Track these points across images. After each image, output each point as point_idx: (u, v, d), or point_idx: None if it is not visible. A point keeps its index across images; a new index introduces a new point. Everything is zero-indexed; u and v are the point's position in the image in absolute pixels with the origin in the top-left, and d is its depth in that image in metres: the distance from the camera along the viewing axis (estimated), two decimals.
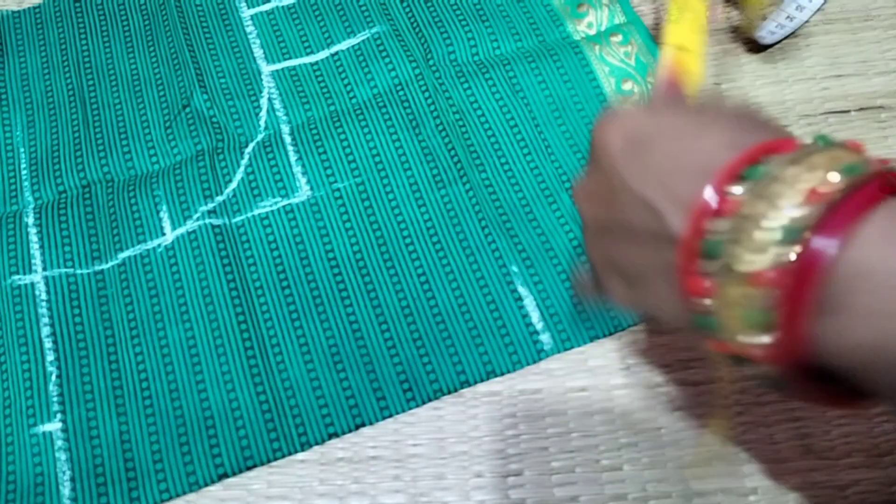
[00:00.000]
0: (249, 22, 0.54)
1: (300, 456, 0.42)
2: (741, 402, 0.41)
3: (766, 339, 0.25)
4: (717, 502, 0.39)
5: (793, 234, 0.24)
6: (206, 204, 0.48)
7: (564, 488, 0.40)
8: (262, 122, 0.50)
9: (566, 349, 0.43)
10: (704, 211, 0.26)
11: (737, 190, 0.26)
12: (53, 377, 0.44)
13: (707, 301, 0.26)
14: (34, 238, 0.48)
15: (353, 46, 0.52)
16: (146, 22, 0.55)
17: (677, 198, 0.27)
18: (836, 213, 0.24)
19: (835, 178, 0.24)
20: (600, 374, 0.43)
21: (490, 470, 0.41)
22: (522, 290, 0.44)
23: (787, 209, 0.24)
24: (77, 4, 0.56)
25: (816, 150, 0.25)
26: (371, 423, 0.42)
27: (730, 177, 0.26)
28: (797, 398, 0.27)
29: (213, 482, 0.41)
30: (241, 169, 0.49)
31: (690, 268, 0.26)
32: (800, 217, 0.24)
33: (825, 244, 0.23)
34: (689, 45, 0.41)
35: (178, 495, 0.41)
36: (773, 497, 0.39)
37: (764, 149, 0.26)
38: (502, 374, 0.43)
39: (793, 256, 0.24)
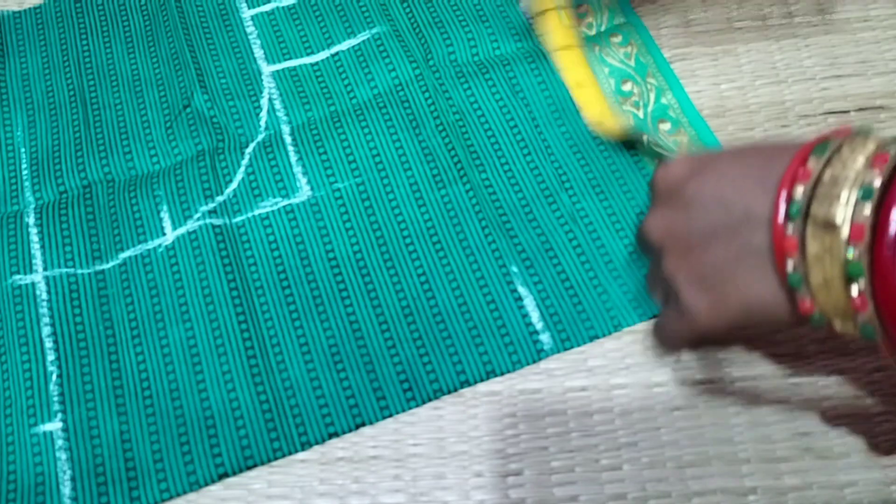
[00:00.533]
0: (250, 22, 0.54)
1: (300, 455, 0.42)
2: (740, 403, 0.41)
3: (854, 290, 0.28)
4: (717, 502, 0.39)
5: (868, 194, 0.28)
6: (206, 204, 0.48)
7: (564, 488, 0.40)
8: (262, 123, 0.51)
9: (566, 349, 0.43)
10: (793, 177, 0.30)
11: (812, 163, 0.30)
12: (54, 377, 0.44)
13: (795, 259, 0.30)
14: (35, 238, 0.48)
15: (353, 47, 0.52)
16: (147, 22, 0.55)
17: (757, 185, 0.32)
18: None
19: (892, 150, 0.29)
20: (600, 374, 0.43)
21: (490, 469, 0.41)
22: (522, 290, 0.44)
23: (858, 169, 0.29)
24: (78, 5, 0.56)
25: (861, 132, 0.30)
26: (371, 423, 0.42)
27: (805, 154, 0.30)
28: (887, 349, 0.30)
29: (213, 482, 0.41)
30: (242, 169, 0.49)
31: (782, 230, 0.30)
32: (869, 176, 0.28)
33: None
34: (582, 80, 0.44)
35: (178, 495, 0.41)
36: (773, 497, 0.39)
37: (821, 138, 0.31)
38: (502, 373, 0.43)
39: (867, 212, 0.28)
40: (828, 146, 0.30)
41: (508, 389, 0.43)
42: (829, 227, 0.29)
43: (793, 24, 0.51)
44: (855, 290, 0.29)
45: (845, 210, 0.28)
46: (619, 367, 0.43)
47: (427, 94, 0.50)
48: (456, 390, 0.43)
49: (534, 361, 0.43)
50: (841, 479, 0.39)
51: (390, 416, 0.42)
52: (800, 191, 0.30)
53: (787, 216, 0.30)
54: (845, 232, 0.28)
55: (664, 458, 0.40)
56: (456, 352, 0.43)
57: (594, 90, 0.48)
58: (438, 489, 0.41)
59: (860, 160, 0.29)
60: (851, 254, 0.28)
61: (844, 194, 0.29)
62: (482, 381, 0.43)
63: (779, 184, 0.31)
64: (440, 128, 0.49)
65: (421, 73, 0.51)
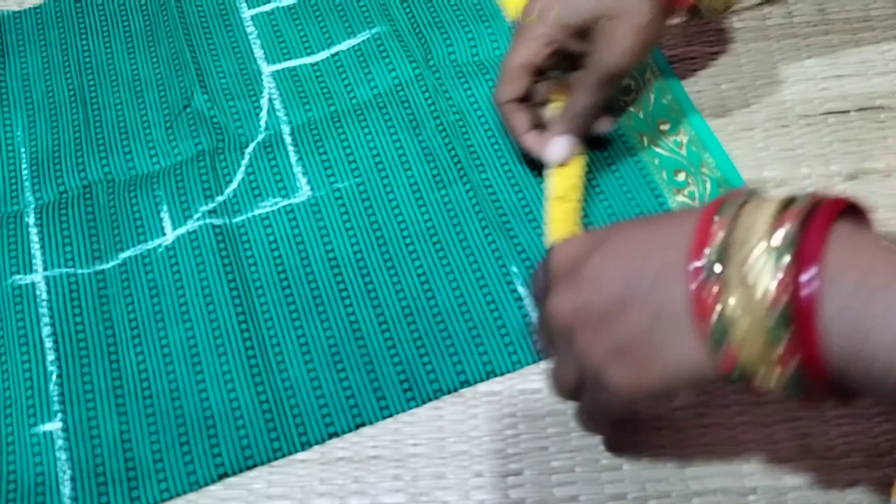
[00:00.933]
0: (250, 22, 0.54)
1: (300, 455, 0.42)
2: (740, 402, 0.41)
3: (779, 347, 0.28)
4: (717, 502, 0.39)
5: (782, 253, 0.28)
6: (206, 204, 0.48)
7: (564, 488, 0.40)
8: (262, 123, 0.51)
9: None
10: (703, 236, 0.30)
11: (720, 222, 0.30)
12: (54, 377, 0.44)
13: (714, 318, 0.29)
14: (35, 238, 0.48)
15: (353, 47, 0.52)
16: (147, 22, 0.55)
17: (666, 248, 0.31)
18: (805, 241, 0.28)
19: (796, 204, 0.29)
20: None
21: (490, 469, 0.41)
22: (522, 291, 0.44)
23: (767, 225, 0.29)
24: (78, 5, 0.56)
25: (753, 193, 0.31)
26: (371, 423, 0.42)
27: (710, 214, 0.30)
28: (810, 399, 0.30)
29: (213, 482, 0.41)
30: (242, 169, 0.49)
31: (698, 292, 0.30)
32: (781, 238, 0.28)
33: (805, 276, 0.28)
34: (567, 195, 0.45)
35: (178, 495, 0.41)
36: (773, 497, 0.39)
37: (719, 201, 0.31)
38: (502, 374, 0.43)
39: (782, 271, 0.28)
40: (732, 205, 0.30)
41: (508, 389, 0.43)
42: (746, 286, 0.29)
43: (793, 24, 0.51)
44: (779, 349, 0.28)
45: (761, 271, 0.28)
46: None
47: (427, 94, 0.50)
48: (456, 390, 0.43)
49: (534, 362, 0.43)
50: (841, 479, 0.39)
51: (390, 416, 0.42)
52: (712, 251, 0.30)
53: (702, 277, 0.30)
54: (766, 297, 0.28)
55: (664, 458, 0.40)
56: (456, 352, 0.43)
57: (574, 207, 0.46)
58: (438, 489, 0.41)
59: (767, 215, 0.29)
60: (770, 319, 0.28)
61: (756, 253, 0.28)
62: (482, 381, 0.43)
63: (689, 245, 0.30)
64: (440, 128, 0.49)
65: (421, 73, 0.51)
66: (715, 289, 0.29)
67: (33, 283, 0.47)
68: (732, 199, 0.31)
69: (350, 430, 0.42)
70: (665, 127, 0.48)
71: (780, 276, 0.28)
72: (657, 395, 0.32)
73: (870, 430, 0.40)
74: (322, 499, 0.41)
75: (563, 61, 0.45)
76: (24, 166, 0.51)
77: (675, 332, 0.31)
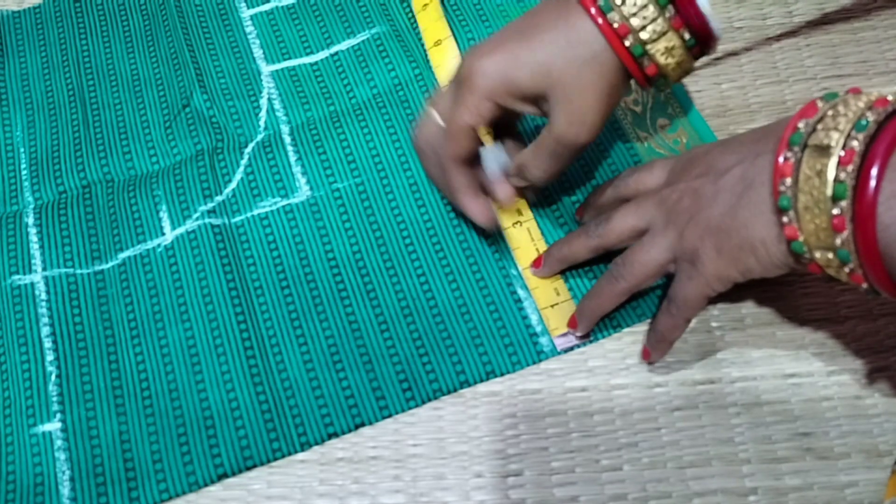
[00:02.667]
0: (249, 22, 0.54)
1: (300, 456, 0.42)
2: (739, 403, 0.41)
3: (837, 209, 0.31)
4: (717, 502, 0.39)
5: (863, 127, 0.31)
6: (205, 204, 0.48)
7: (564, 488, 0.40)
8: (261, 123, 0.50)
9: (566, 351, 0.43)
10: (802, 114, 0.33)
11: (820, 104, 0.33)
12: (53, 377, 0.44)
13: (788, 182, 0.33)
14: (34, 238, 0.48)
15: (352, 46, 0.52)
16: (146, 22, 0.55)
17: (767, 132, 0.36)
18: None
19: (892, 97, 0.32)
20: (600, 375, 0.43)
21: (490, 470, 0.41)
22: (522, 293, 0.44)
23: (859, 108, 0.32)
24: (77, 4, 0.56)
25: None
26: (370, 423, 0.42)
27: (815, 101, 0.34)
28: (859, 276, 0.33)
29: (212, 482, 0.41)
30: (241, 169, 0.49)
31: (781, 154, 0.33)
32: (867, 113, 0.32)
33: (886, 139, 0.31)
34: (441, 35, 0.47)
35: (177, 495, 0.41)
36: (773, 497, 0.39)
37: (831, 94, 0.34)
38: (502, 374, 0.43)
39: (859, 141, 0.31)
40: (837, 94, 0.34)
41: (508, 390, 0.43)
42: (823, 151, 0.32)
43: (793, 24, 0.51)
44: (837, 210, 0.31)
45: (840, 137, 0.31)
46: (620, 367, 0.43)
47: (427, 94, 0.50)
48: (455, 390, 0.43)
49: (533, 363, 0.43)
50: (841, 479, 0.39)
51: (390, 416, 0.42)
52: (804, 123, 0.33)
53: (789, 144, 0.33)
54: (836, 155, 0.31)
55: (665, 459, 0.40)
56: (456, 352, 0.43)
57: (451, 46, 0.49)
58: (438, 490, 0.41)
59: (862, 102, 0.32)
60: (840, 175, 0.31)
61: (842, 125, 0.32)
62: (482, 381, 0.43)
63: (789, 123, 0.34)
64: None
65: (421, 73, 0.51)
66: (795, 157, 0.32)
67: (32, 284, 0.47)
68: (846, 92, 0.34)
69: (349, 431, 0.42)
70: (664, 126, 0.48)
71: (855, 144, 0.31)
72: (736, 268, 0.36)
73: (870, 431, 0.40)
74: (322, 499, 0.41)
75: (512, 116, 0.43)
76: (23, 166, 0.51)
77: (755, 204, 0.35)
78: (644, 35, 0.37)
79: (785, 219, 0.33)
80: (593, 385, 0.42)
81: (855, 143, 0.31)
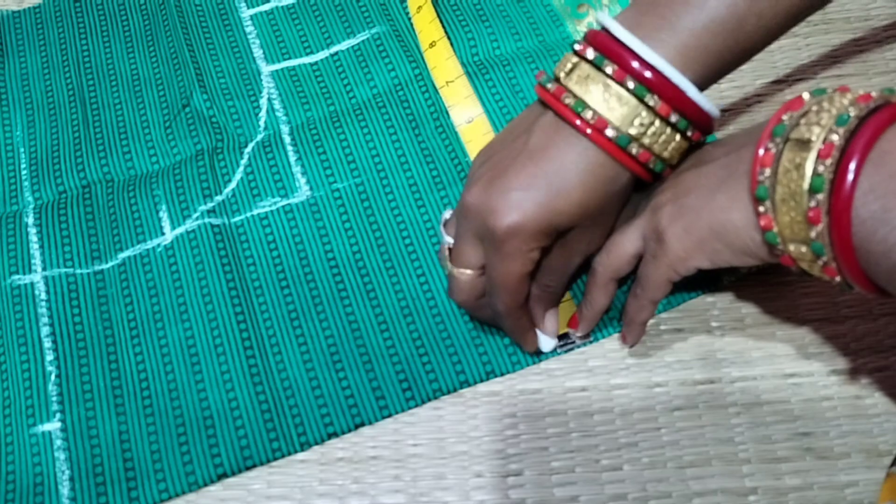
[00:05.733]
0: (249, 22, 0.54)
1: (300, 456, 0.42)
2: (739, 403, 0.41)
3: (813, 201, 0.31)
4: (717, 502, 0.39)
5: (844, 121, 0.31)
6: (205, 204, 0.48)
7: (564, 488, 0.40)
8: (261, 123, 0.50)
9: (566, 351, 0.43)
10: (787, 107, 0.33)
11: (806, 98, 0.33)
12: (53, 377, 0.44)
13: (767, 173, 0.32)
14: (34, 238, 0.48)
15: (352, 46, 0.52)
16: (146, 22, 0.55)
17: (754, 129, 0.36)
18: (874, 117, 0.31)
19: (875, 94, 0.32)
20: (600, 374, 0.43)
21: (490, 470, 0.41)
22: None
23: (843, 104, 0.32)
24: (77, 4, 0.56)
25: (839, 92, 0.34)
26: (370, 423, 0.42)
27: (802, 96, 0.34)
28: (832, 270, 0.32)
29: (212, 482, 0.41)
30: (241, 169, 0.49)
31: (762, 146, 0.33)
32: (850, 109, 0.31)
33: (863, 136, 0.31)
34: (434, 37, 0.47)
35: (177, 495, 0.41)
36: (773, 497, 0.39)
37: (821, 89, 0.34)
38: (502, 374, 0.43)
39: (839, 135, 0.31)
40: (825, 90, 0.34)
41: (508, 389, 0.43)
42: (804, 145, 0.32)
43: None
44: (813, 202, 0.31)
45: (821, 132, 0.31)
46: (620, 367, 0.43)
47: (427, 94, 0.50)
48: (455, 390, 0.43)
49: (533, 363, 0.43)
50: (841, 479, 0.39)
51: (389, 416, 0.42)
52: (788, 116, 0.33)
53: (771, 135, 0.33)
54: (816, 149, 0.31)
55: (665, 459, 0.40)
56: (455, 352, 0.43)
57: (446, 46, 0.50)
58: (438, 489, 0.41)
59: (847, 99, 0.32)
60: (818, 168, 0.31)
61: (824, 120, 0.32)
62: (482, 381, 0.43)
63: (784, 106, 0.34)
64: (440, 129, 0.49)
65: (420, 73, 0.51)
66: (776, 148, 0.33)
67: (32, 284, 0.47)
68: (835, 90, 0.33)
69: (349, 431, 0.42)
70: None
71: (835, 138, 0.31)
72: (702, 251, 0.35)
73: (869, 431, 0.40)
74: (322, 499, 0.41)
75: None
76: (23, 166, 0.51)
77: (734, 192, 0.34)
78: (627, 127, 0.36)
79: (761, 208, 0.33)
80: (593, 385, 0.42)
81: (835, 138, 0.31)
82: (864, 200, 0.30)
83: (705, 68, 0.36)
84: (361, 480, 0.41)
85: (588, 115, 0.36)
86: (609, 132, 0.36)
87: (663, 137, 0.37)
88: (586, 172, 0.36)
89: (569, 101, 0.36)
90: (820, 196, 0.31)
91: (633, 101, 0.36)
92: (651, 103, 0.36)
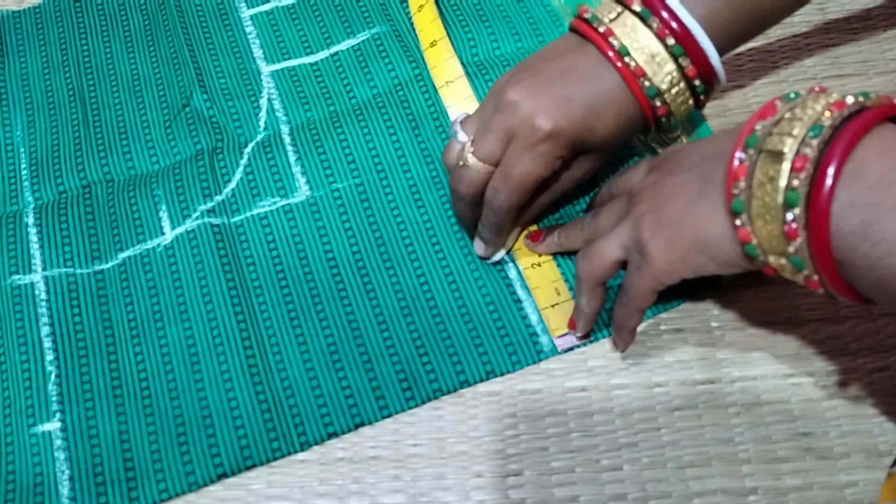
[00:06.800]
0: (249, 22, 0.54)
1: (300, 456, 0.42)
2: (739, 403, 0.41)
3: (790, 215, 0.31)
4: (717, 502, 0.39)
5: (818, 131, 0.30)
6: (205, 203, 0.48)
7: (564, 488, 0.40)
8: (261, 123, 0.50)
9: (561, 352, 0.43)
10: (760, 116, 0.33)
11: (779, 105, 0.33)
12: (53, 377, 0.44)
13: (741, 186, 0.32)
14: (34, 238, 0.48)
15: (352, 47, 0.52)
16: (146, 22, 0.55)
17: (730, 133, 0.35)
18: (849, 125, 0.30)
19: (849, 99, 0.31)
20: (600, 375, 0.43)
21: (490, 470, 0.41)
22: (521, 293, 0.44)
23: (815, 112, 0.31)
24: (77, 4, 0.56)
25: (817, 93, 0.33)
26: (370, 423, 0.42)
27: (775, 100, 0.33)
28: (815, 276, 0.32)
29: (212, 482, 0.41)
30: (241, 169, 0.49)
31: (736, 158, 0.33)
32: (825, 118, 0.31)
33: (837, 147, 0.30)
34: (436, 36, 0.48)
35: (177, 495, 0.41)
36: (773, 497, 0.39)
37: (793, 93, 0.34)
38: (502, 374, 0.43)
39: (813, 147, 0.30)
40: (798, 95, 0.33)
41: (508, 390, 0.43)
42: (777, 156, 0.31)
43: (793, 24, 0.51)
44: (790, 216, 0.31)
45: (794, 143, 0.31)
46: (620, 367, 0.43)
47: (427, 95, 0.50)
48: (455, 390, 0.43)
49: (533, 362, 0.43)
50: (841, 479, 0.39)
51: (389, 416, 0.42)
52: (761, 126, 0.33)
53: (745, 146, 0.33)
54: (789, 162, 0.31)
55: (665, 459, 0.40)
56: (455, 352, 0.43)
57: (448, 46, 0.50)
58: (438, 489, 0.41)
59: (820, 105, 0.32)
60: (792, 182, 0.31)
61: (797, 130, 0.31)
62: (482, 381, 0.43)
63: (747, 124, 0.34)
64: (440, 129, 0.49)
65: (420, 73, 0.51)
66: (750, 161, 0.32)
67: (32, 283, 0.47)
68: (809, 92, 0.33)
69: (349, 431, 0.42)
70: None
71: (808, 150, 0.30)
72: (686, 264, 0.35)
73: (869, 431, 0.40)
74: (322, 499, 0.41)
75: None
76: (23, 166, 0.51)
77: (711, 203, 0.34)
78: (658, 81, 0.39)
79: (738, 222, 0.33)
80: (593, 385, 0.42)
81: (808, 150, 0.30)
82: (844, 215, 0.30)
83: (725, 36, 0.39)
84: (361, 480, 0.41)
85: (631, 63, 0.39)
86: (644, 82, 0.39)
87: (681, 98, 0.40)
88: (619, 106, 0.39)
89: (616, 43, 0.39)
90: (797, 210, 0.31)
91: (670, 59, 0.39)
92: (684, 64, 0.39)
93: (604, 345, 0.43)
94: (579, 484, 0.40)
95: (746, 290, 0.44)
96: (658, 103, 0.40)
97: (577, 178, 0.43)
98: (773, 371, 0.42)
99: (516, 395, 0.43)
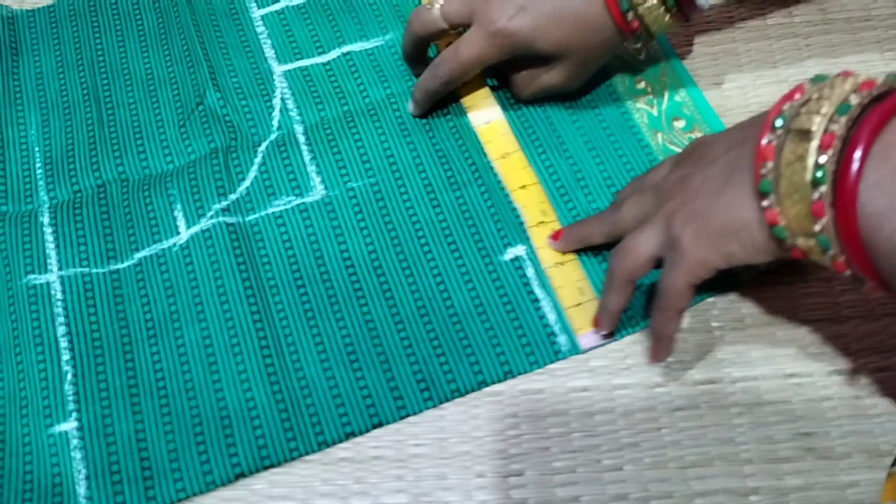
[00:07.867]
0: (260, 22, 0.54)
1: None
2: (741, 403, 0.41)
3: (817, 194, 0.31)
4: (719, 502, 0.39)
5: (845, 110, 0.31)
6: (220, 202, 0.48)
7: (566, 488, 0.40)
8: (275, 122, 0.51)
9: (583, 351, 0.43)
10: (788, 97, 0.33)
11: (807, 87, 0.33)
12: (69, 376, 0.44)
13: (769, 166, 0.32)
14: (49, 237, 0.48)
15: (366, 51, 0.52)
16: (159, 21, 0.55)
17: (757, 119, 0.36)
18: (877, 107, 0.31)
19: (879, 80, 0.31)
20: (602, 375, 0.43)
21: (492, 470, 0.41)
22: (539, 293, 0.44)
23: (844, 91, 0.31)
24: (91, 3, 0.56)
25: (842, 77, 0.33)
26: (388, 423, 0.42)
27: (804, 83, 0.34)
28: (840, 264, 0.32)
29: (229, 482, 0.41)
30: (255, 167, 0.49)
31: (764, 138, 0.33)
32: (853, 97, 0.31)
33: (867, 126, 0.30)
34: (451, 38, 0.50)
35: (194, 494, 0.41)
36: (775, 497, 0.39)
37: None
38: (519, 374, 0.43)
39: (841, 125, 0.30)
40: (827, 77, 0.33)
41: (510, 390, 0.43)
42: (805, 135, 0.31)
43: (793, 24, 0.51)
44: (817, 194, 0.31)
45: (822, 121, 0.31)
46: (621, 367, 0.43)
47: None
48: (473, 391, 0.43)
49: (551, 362, 0.43)
50: (843, 479, 0.39)
51: (407, 416, 0.42)
52: (789, 106, 0.33)
53: (772, 127, 0.33)
54: (817, 140, 0.31)
55: (666, 459, 0.40)
56: (473, 352, 0.43)
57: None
58: (440, 489, 0.41)
59: (848, 85, 0.32)
60: (820, 159, 0.31)
61: (825, 109, 0.31)
62: (500, 381, 0.43)
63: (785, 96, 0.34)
64: (454, 129, 0.49)
65: None
66: (778, 140, 0.32)
67: (48, 283, 0.47)
68: (836, 75, 0.33)
69: (367, 430, 0.42)
70: (680, 125, 0.48)
71: (836, 128, 0.30)
72: (717, 252, 0.35)
73: (871, 431, 0.40)
74: (324, 499, 0.41)
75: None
76: (38, 165, 0.51)
77: (739, 188, 0.34)
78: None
79: (766, 203, 0.33)
80: (595, 385, 0.43)
81: (836, 127, 0.30)
82: (871, 195, 0.30)
83: None
84: (364, 480, 0.41)
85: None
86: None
87: (656, 13, 0.43)
88: (581, 18, 0.43)
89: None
90: (823, 188, 0.31)
91: None
92: None
93: (605, 345, 0.43)
94: (581, 484, 0.40)
95: (746, 290, 0.44)
96: (630, 17, 0.43)
97: (555, 84, 0.47)
98: (774, 371, 0.42)
99: (518, 395, 0.43)
